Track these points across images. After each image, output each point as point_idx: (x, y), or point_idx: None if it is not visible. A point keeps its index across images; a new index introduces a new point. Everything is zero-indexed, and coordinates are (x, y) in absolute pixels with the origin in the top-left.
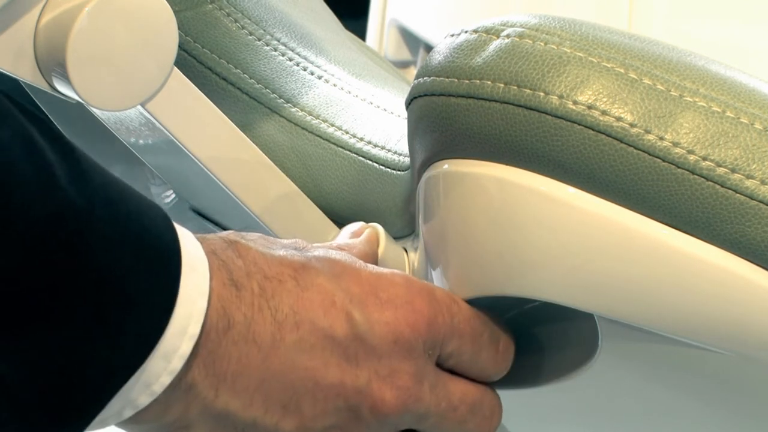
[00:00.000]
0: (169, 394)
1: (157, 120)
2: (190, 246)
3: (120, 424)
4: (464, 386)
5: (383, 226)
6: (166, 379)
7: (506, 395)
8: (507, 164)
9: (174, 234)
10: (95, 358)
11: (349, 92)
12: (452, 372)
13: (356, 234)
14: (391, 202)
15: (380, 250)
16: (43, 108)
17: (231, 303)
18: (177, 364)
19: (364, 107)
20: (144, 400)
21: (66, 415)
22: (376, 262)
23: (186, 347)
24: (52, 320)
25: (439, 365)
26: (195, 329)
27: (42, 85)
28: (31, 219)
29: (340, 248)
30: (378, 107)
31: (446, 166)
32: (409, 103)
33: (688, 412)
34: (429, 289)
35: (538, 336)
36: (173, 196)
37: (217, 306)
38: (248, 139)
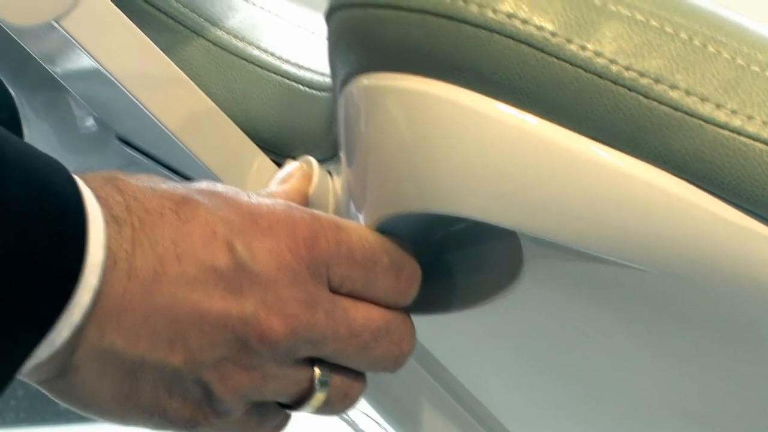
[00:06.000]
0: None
1: (72, 38)
2: (89, 199)
3: None
4: (367, 311)
5: (307, 149)
6: (66, 333)
7: (430, 320)
8: (427, 77)
9: (77, 190)
10: (12, 326)
11: (277, 14)
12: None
13: (286, 179)
14: (315, 124)
15: (311, 189)
16: None
17: (113, 240)
18: (77, 317)
19: (291, 29)
20: (44, 353)
21: None
22: (306, 205)
23: (86, 299)
24: None
25: (336, 292)
26: (93, 280)
27: None
28: None
29: None
30: (305, 29)
31: (366, 80)
32: (327, 17)
33: (613, 333)
34: (312, 215)
35: (464, 259)
36: (98, 124)
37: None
38: (168, 59)
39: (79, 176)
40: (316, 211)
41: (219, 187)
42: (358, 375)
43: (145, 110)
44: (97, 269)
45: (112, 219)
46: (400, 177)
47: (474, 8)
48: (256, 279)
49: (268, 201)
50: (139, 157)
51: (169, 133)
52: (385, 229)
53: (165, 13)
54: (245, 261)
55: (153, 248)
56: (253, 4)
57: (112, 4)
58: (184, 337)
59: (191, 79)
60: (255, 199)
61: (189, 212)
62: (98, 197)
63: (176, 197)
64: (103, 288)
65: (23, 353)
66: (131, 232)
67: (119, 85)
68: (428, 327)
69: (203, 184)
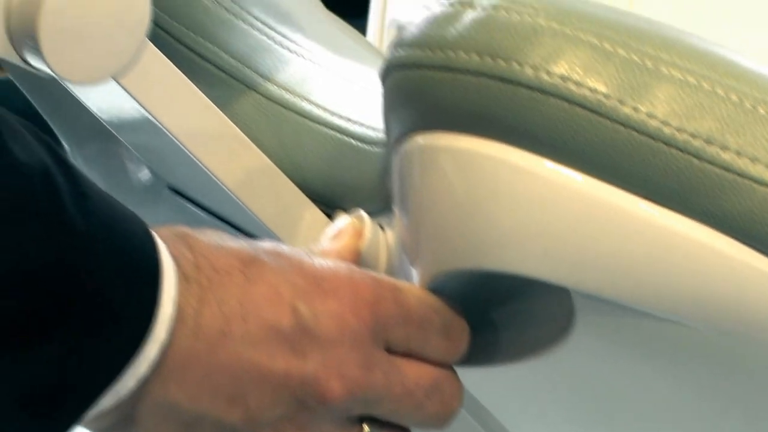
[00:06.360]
0: None
1: (131, 95)
2: (164, 254)
3: None
4: (420, 369)
5: (358, 201)
6: (132, 383)
7: (481, 373)
8: (482, 137)
9: (154, 245)
10: (82, 373)
11: (327, 68)
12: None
13: (337, 236)
14: (368, 179)
15: (363, 246)
16: (18, 85)
17: (182, 297)
18: (144, 369)
19: (341, 83)
20: (108, 402)
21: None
22: (357, 263)
23: (154, 352)
24: (46, 334)
25: (390, 351)
26: (162, 334)
27: (15, 59)
28: (39, 244)
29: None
30: (355, 83)
31: (421, 140)
32: (383, 77)
33: (664, 387)
34: (372, 278)
35: (514, 314)
36: (150, 174)
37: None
38: (223, 115)
39: (153, 230)
40: (375, 273)
41: (283, 248)
42: (404, 429)
43: (199, 164)
44: (167, 324)
45: (182, 276)
46: (454, 235)
47: (529, 71)
48: (318, 341)
49: (330, 264)
50: (191, 206)
51: (224, 188)
52: (437, 285)
53: (217, 66)
54: (308, 323)
55: (220, 307)
56: (303, 57)
57: (169, 62)
58: (245, 396)
59: (243, 131)
60: (317, 262)
61: (256, 273)
62: (170, 253)
63: (244, 257)
64: (170, 343)
65: (90, 399)
66: (199, 290)
67: (176, 141)
68: (468, 369)
69: (268, 245)
